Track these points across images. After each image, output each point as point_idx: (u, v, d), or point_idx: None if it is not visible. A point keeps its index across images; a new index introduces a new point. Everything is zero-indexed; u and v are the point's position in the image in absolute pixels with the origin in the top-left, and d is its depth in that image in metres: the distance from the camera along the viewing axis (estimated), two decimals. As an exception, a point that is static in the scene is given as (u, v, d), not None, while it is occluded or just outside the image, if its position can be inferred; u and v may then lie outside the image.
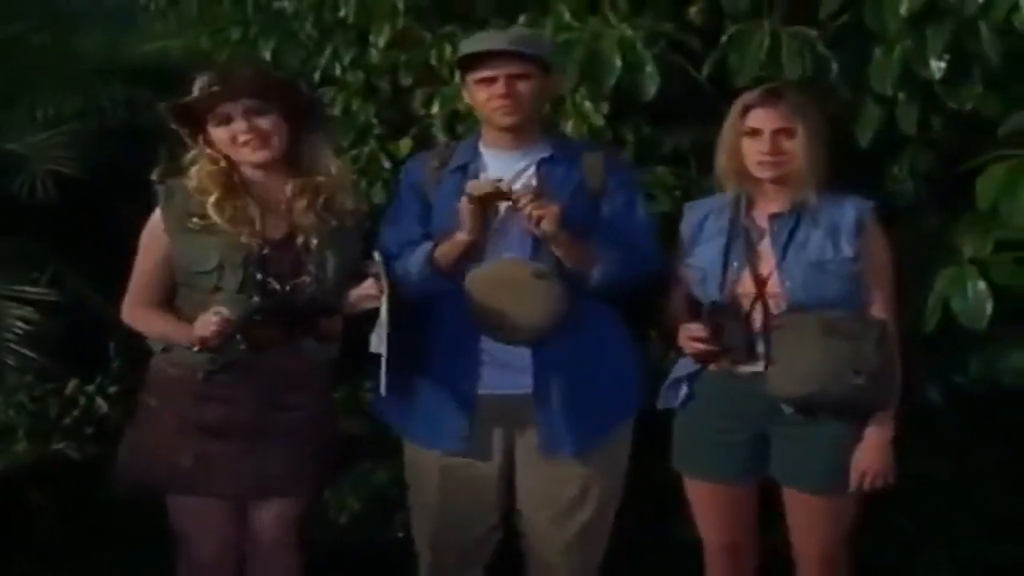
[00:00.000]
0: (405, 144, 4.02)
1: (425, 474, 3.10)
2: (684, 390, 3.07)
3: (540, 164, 3.02)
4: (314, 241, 2.95)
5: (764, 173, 2.96)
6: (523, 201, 2.87)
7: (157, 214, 3.00)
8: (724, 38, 3.38)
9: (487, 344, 2.98)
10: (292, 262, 2.95)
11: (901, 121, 3.21)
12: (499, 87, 2.96)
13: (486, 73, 2.97)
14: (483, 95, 2.99)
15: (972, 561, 3.51)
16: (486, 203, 2.91)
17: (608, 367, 3.04)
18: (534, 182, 2.98)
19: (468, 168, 3.05)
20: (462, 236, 2.92)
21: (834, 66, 3.26)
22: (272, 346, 2.93)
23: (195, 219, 2.95)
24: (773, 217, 2.98)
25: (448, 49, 3.92)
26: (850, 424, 2.93)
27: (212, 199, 2.94)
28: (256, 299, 2.91)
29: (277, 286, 2.93)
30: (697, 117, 3.60)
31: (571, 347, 2.96)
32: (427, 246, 2.98)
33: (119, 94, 4.08)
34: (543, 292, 2.91)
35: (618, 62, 3.44)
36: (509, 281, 2.91)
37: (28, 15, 4.32)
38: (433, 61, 3.96)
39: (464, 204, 2.90)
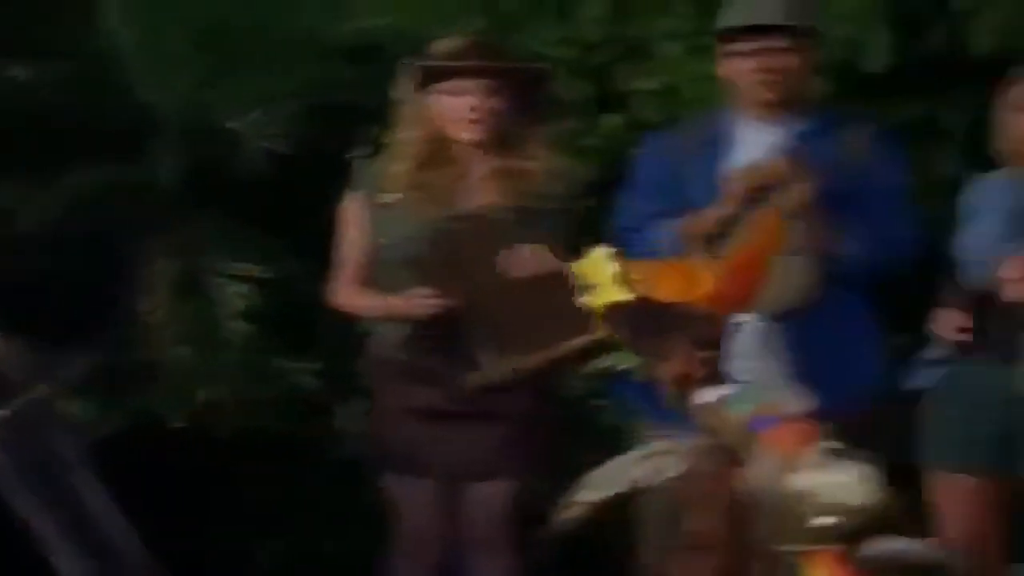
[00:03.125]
0: (614, 121, 3.95)
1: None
2: (935, 372, 2.92)
3: (797, 138, 2.91)
4: (506, 217, 2.91)
5: None
6: (786, 170, 2.76)
7: (352, 190, 3.05)
8: (959, 6, 3.21)
9: None
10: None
11: None
12: (759, 62, 2.84)
13: (746, 47, 2.85)
14: (742, 68, 2.88)
15: None
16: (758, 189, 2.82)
17: (848, 356, 2.91)
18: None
19: (722, 142, 2.96)
20: (723, 210, 2.82)
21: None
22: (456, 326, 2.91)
23: (385, 196, 2.96)
24: None
25: (657, 22, 3.84)
26: None
27: (403, 168, 2.95)
28: None
29: None
30: (929, 89, 3.45)
31: (809, 334, 2.84)
32: (675, 221, 2.91)
33: (330, 72, 4.11)
34: (791, 270, 2.80)
35: (845, 32, 3.30)
36: None
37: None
38: (644, 36, 3.88)
39: (739, 180, 2.80)
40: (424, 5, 4.36)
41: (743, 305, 2.24)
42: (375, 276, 3.05)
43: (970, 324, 2.82)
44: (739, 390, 1.87)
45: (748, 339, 2.82)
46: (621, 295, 2.12)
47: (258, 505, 4.05)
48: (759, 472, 1.75)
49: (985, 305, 2.81)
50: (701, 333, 1.94)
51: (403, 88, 3.01)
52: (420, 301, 2.91)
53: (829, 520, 1.67)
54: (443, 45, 3.03)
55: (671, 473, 1.85)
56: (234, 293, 3.83)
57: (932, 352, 2.95)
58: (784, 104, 2.91)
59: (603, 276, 2.16)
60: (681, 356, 1.90)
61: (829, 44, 3.28)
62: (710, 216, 2.84)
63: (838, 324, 2.89)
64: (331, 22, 4.36)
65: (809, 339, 2.84)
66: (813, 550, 1.70)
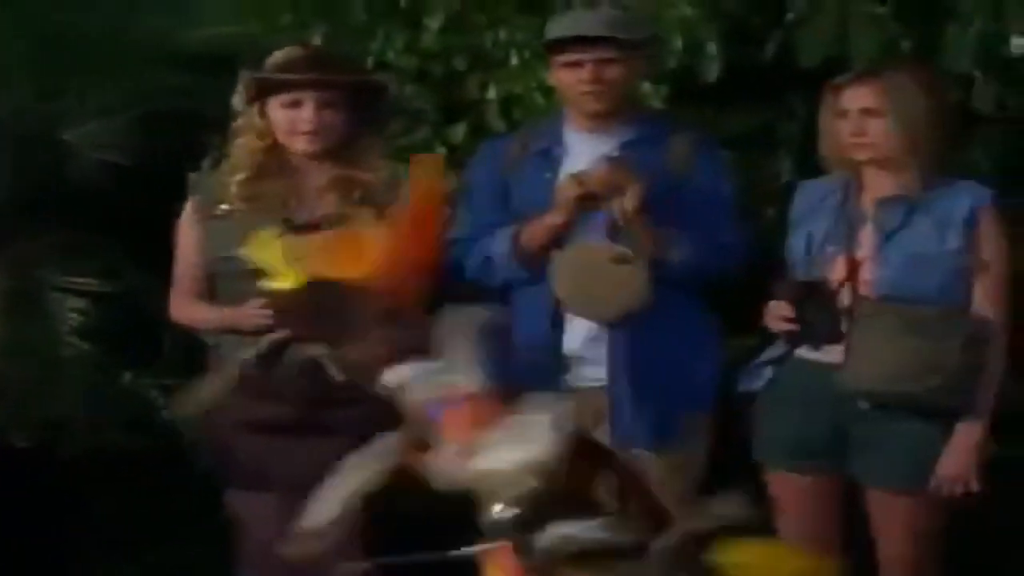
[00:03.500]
0: (460, 130, 3.96)
1: None
2: (768, 374, 2.99)
3: (623, 146, 2.95)
4: (343, 229, 2.90)
5: (855, 155, 2.88)
6: (612, 177, 2.79)
7: (188, 203, 3.02)
8: (789, 16, 3.29)
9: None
10: None
11: (978, 99, 3.11)
12: (586, 73, 2.88)
13: (573, 57, 2.88)
14: (570, 79, 2.91)
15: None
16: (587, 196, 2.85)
17: (685, 361, 2.97)
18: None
19: (552, 151, 2.99)
20: (554, 219, 2.85)
21: (905, 43, 3.16)
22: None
23: (222, 206, 2.95)
24: (880, 203, 2.90)
25: (502, 32, 3.87)
26: (934, 422, 2.84)
27: (239, 178, 2.92)
28: None
29: None
30: (760, 99, 3.52)
31: (646, 340, 2.89)
32: (511, 228, 2.93)
33: (171, 82, 4.05)
34: (624, 277, 2.85)
35: (679, 42, 3.37)
36: (592, 265, 2.85)
37: (78, 3, 4.30)
38: (487, 44, 3.90)
39: (568, 188, 2.82)
40: (272, 13, 4.33)
41: (423, 267, 2.06)
42: (218, 288, 3.02)
43: (794, 314, 2.88)
44: (419, 371, 1.71)
45: (576, 344, 2.88)
46: (293, 277, 2.01)
47: (110, 524, 3.97)
48: (438, 460, 1.60)
49: (811, 296, 2.87)
50: (374, 308, 1.82)
51: (240, 98, 2.99)
52: (255, 312, 2.89)
53: (502, 513, 1.51)
54: (278, 56, 3.01)
55: (380, 468, 1.74)
56: (72, 308, 3.74)
57: (768, 353, 3.02)
58: (612, 114, 2.96)
59: (272, 258, 2.07)
60: (360, 338, 1.79)
61: (666, 53, 3.35)
62: (543, 225, 2.88)
63: (674, 329, 2.95)
64: (177, 30, 4.30)
65: (645, 344, 2.90)
66: (490, 547, 1.54)
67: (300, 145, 2.94)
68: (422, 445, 1.64)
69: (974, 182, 2.93)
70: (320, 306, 1.86)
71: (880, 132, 2.85)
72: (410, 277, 1.96)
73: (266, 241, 2.05)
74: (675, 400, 2.97)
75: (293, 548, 1.61)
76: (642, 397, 2.91)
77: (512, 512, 1.49)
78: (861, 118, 2.86)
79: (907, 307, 2.82)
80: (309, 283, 1.96)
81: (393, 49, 4.07)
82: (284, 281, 1.98)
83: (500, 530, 1.51)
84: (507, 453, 1.51)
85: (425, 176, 2.18)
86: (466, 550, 1.54)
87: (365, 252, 1.97)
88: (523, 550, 1.49)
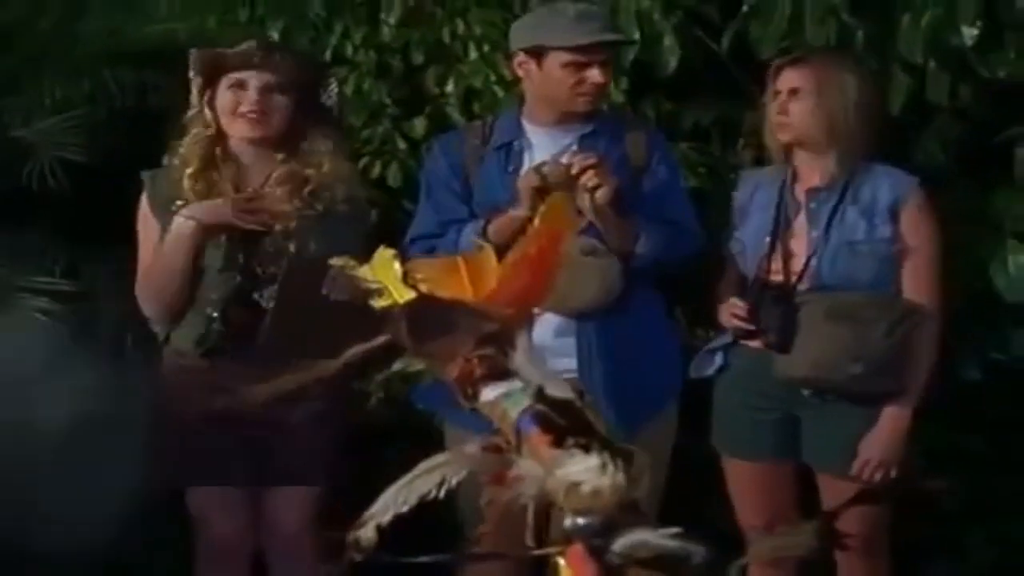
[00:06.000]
0: (420, 124, 3.96)
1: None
2: (719, 360, 3.01)
3: (582, 139, 2.97)
4: (292, 226, 2.88)
5: (779, 136, 2.90)
6: (585, 167, 2.79)
7: (144, 201, 2.99)
8: (745, 8, 3.32)
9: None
10: (272, 245, 2.91)
11: (931, 90, 3.15)
12: (597, 74, 2.87)
13: (585, 57, 2.87)
14: (571, 79, 2.89)
15: (1012, 540, 3.45)
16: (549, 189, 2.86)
17: (651, 349, 3.00)
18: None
19: (513, 145, 3.00)
20: (521, 212, 2.85)
21: (859, 33, 3.19)
22: (249, 330, 2.90)
23: (178, 202, 2.92)
24: (810, 192, 2.92)
25: (460, 25, 3.87)
26: (872, 408, 2.87)
27: (188, 171, 2.90)
28: (239, 279, 2.89)
29: (259, 269, 2.89)
30: (718, 91, 3.55)
31: (614, 330, 2.92)
32: (478, 223, 2.94)
33: (127, 78, 4.02)
34: (593, 269, 2.86)
35: (636, 35, 3.39)
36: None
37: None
38: (446, 38, 3.90)
39: (531, 180, 2.83)
40: (228, 8, 4.30)
41: (536, 297, 2.19)
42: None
43: (747, 312, 2.91)
44: (514, 387, 1.75)
45: (546, 335, 2.89)
46: (407, 296, 2.06)
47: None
48: (524, 472, 1.65)
49: (768, 296, 2.90)
50: (481, 330, 1.88)
51: (194, 89, 2.98)
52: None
53: (579, 519, 1.58)
54: (232, 45, 3.02)
55: (454, 481, 1.79)
56: (35, 307, 3.70)
57: (717, 340, 3.05)
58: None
59: (389, 277, 2.11)
60: (462, 354, 1.84)
61: (624, 47, 3.36)
62: (510, 219, 2.89)
63: (638, 316, 2.98)
64: (131, 26, 4.26)
65: (613, 333, 2.92)
66: (564, 550, 1.59)
67: (241, 129, 2.93)
68: (501, 457, 1.70)
69: (896, 169, 2.92)
70: (426, 323, 1.90)
71: (800, 112, 2.86)
72: (521, 306, 2.02)
73: (384, 260, 2.07)
74: (645, 386, 3.00)
75: (351, 536, 1.67)
76: (613, 385, 2.93)
77: (592, 518, 1.56)
78: (787, 99, 2.88)
79: (834, 294, 2.82)
80: (417, 299, 1.99)
81: (351, 43, 4.06)
82: (398, 298, 2.00)
83: (579, 534, 1.56)
84: (577, 469, 1.60)
85: (555, 215, 2.24)
86: (544, 551, 1.63)
87: (481, 279, 1.99)
88: (599, 553, 1.53)
